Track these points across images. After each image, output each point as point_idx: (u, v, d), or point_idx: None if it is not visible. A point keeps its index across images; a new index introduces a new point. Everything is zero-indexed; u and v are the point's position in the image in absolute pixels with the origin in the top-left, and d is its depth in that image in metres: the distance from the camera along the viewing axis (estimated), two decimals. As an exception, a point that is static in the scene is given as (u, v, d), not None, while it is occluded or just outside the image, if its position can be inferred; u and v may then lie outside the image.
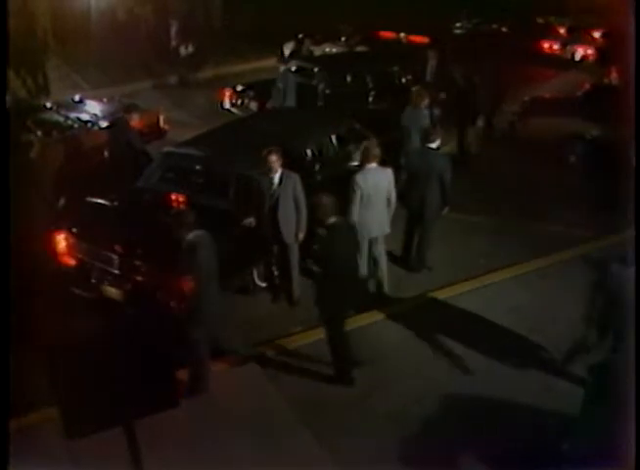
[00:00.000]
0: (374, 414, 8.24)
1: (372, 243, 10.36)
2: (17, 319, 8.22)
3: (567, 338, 9.33)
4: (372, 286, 10.65)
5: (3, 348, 6.46)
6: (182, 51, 22.21)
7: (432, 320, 10.06)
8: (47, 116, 14.54)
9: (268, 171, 9.71)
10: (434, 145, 10.86)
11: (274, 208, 9.83)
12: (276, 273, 10.49)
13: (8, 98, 14.98)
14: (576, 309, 9.90)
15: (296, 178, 9.88)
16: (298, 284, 10.38)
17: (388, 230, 10.47)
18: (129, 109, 12.88)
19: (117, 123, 13.05)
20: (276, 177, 9.76)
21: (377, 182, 10.01)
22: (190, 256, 8.01)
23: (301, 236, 10.08)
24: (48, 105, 15.39)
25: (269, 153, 9.64)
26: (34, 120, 13.87)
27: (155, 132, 15.25)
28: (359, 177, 9.89)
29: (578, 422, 7.30)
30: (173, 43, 22.53)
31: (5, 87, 8.32)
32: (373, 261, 10.57)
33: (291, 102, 15.43)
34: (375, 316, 10.13)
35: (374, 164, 9.94)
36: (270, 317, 10.10)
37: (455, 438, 7.87)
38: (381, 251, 10.52)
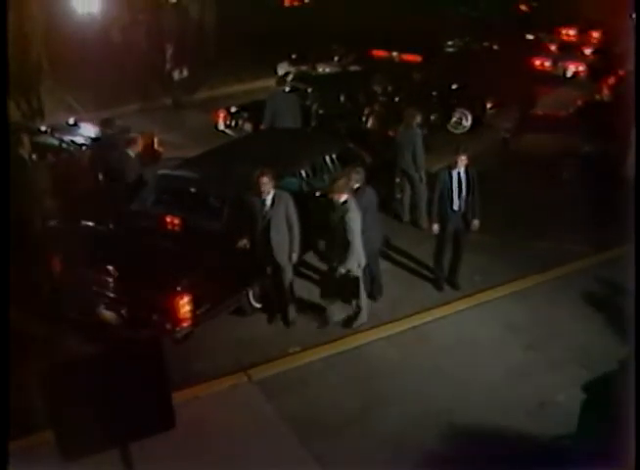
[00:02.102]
0: (373, 434, 8.23)
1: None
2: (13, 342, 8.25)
3: (564, 354, 9.38)
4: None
5: (3, 368, 6.44)
6: (176, 75, 22.13)
7: (429, 338, 10.06)
8: (42, 139, 14.55)
9: (260, 193, 9.73)
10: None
11: (267, 229, 9.85)
12: (271, 294, 10.49)
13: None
14: (574, 326, 10.01)
15: (288, 199, 9.89)
16: (294, 305, 10.40)
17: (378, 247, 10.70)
18: (107, 122, 13.01)
19: (106, 142, 13.14)
20: (268, 199, 9.78)
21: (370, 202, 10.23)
22: None
23: (295, 257, 10.10)
24: (43, 128, 15.41)
25: (261, 175, 9.65)
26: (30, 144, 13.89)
27: (149, 155, 15.25)
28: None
29: (576, 437, 7.31)
30: (167, 67, 22.49)
31: (6, 89, 8.31)
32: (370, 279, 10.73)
33: (285, 123, 15.44)
34: (373, 335, 10.13)
35: (344, 196, 9.68)
36: (266, 338, 10.09)
37: (454, 456, 7.86)
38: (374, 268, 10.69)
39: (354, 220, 9.56)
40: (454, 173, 10.72)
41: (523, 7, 35.22)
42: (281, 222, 9.81)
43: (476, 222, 10.98)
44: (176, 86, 22.40)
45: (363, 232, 9.87)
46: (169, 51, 22.55)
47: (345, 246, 9.59)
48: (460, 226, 11.00)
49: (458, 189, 10.74)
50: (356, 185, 10.26)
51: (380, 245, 10.90)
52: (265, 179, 9.65)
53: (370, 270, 10.66)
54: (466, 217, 10.93)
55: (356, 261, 9.77)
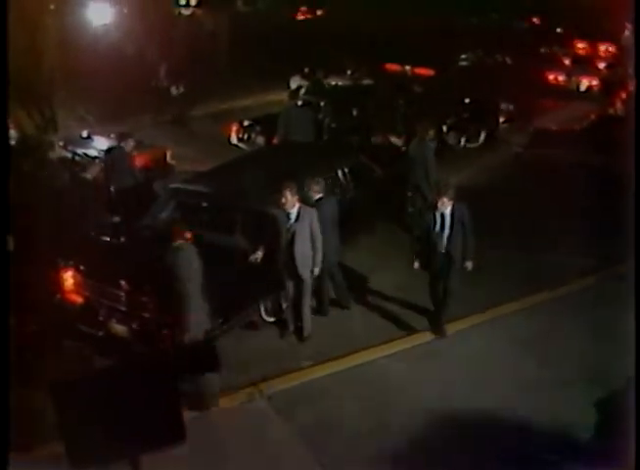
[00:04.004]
0: (385, 448, 8.18)
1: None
2: (24, 356, 8.27)
3: (574, 371, 9.32)
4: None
5: (3, 381, 6.43)
6: (173, 91, 21.88)
7: (440, 354, 10.03)
8: (55, 152, 14.65)
9: (284, 206, 9.75)
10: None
11: (291, 243, 9.84)
12: (285, 308, 10.45)
13: (16, 134, 15.13)
14: (583, 342, 9.94)
15: (313, 214, 9.90)
16: (309, 319, 10.38)
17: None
18: (124, 136, 13.03)
19: (115, 154, 13.20)
20: (293, 212, 9.80)
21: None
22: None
23: (317, 271, 10.10)
24: (56, 141, 15.49)
25: (285, 188, 9.68)
26: (42, 157, 13.98)
27: (162, 168, 15.31)
28: None
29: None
30: (164, 83, 22.17)
31: (6, 89, 8.44)
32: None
33: (298, 136, 15.46)
34: (385, 351, 10.11)
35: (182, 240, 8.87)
36: (278, 352, 10.05)
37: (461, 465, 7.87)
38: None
39: (185, 268, 8.47)
40: (437, 214, 10.16)
41: (535, 19, 35.30)
42: (305, 236, 9.81)
43: (468, 264, 10.37)
44: (174, 102, 22.08)
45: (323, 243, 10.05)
46: (164, 67, 22.24)
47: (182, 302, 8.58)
48: (446, 267, 10.33)
49: (441, 230, 10.17)
50: (318, 195, 10.35)
51: (338, 256, 10.82)
52: (289, 193, 9.67)
53: (333, 281, 10.91)
54: (451, 258, 10.25)
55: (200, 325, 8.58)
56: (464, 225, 10.22)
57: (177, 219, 9.76)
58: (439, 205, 10.10)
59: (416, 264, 10.56)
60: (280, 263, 9.96)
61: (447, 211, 10.14)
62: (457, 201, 10.22)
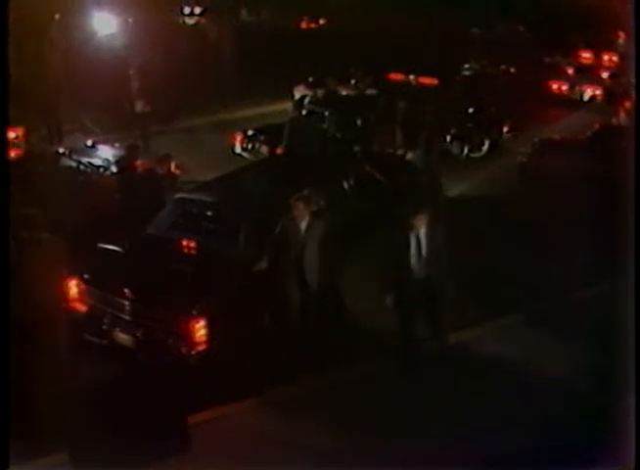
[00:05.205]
0: (388, 457, 8.18)
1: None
2: (28, 366, 8.27)
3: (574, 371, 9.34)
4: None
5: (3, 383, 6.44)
6: (138, 107, 20.73)
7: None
8: (60, 161, 14.69)
9: (295, 218, 9.76)
10: None
11: (301, 254, 9.83)
12: (291, 317, 10.44)
13: (21, 143, 15.17)
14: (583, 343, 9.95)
15: (324, 225, 9.95)
16: (314, 327, 10.36)
17: None
18: (132, 149, 13.09)
19: (121, 163, 13.25)
20: (303, 224, 9.81)
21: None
22: None
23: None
24: (61, 150, 15.53)
25: (297, 200, 9.70)
26: (47, 166, 14.01)
27: (166, 178, 15.30)
28: None
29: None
30: (133, 97, 21.01)
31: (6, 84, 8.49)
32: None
33: (302, 146, 15.46)
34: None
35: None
36: (282, 360, 10.05)
37: (454, 457, 7.91)
38: None
39: None
40: (411, 236, 9.34)
41: (538, 29, 35.29)
42: (315, 248, 9.81)
43: (450, 290, 9.52)
44: (140, 119, 20.94)
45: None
46: (136, 82, 21.29)
47: None
48: (427, 295, 9.59)
49: (417, 254, 9.36)
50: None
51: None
52: (302, 204, 9.70)
53: None
54: (431, 284, 9.49)
55: None
56: (440, 248, 9.41)
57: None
58: (407, 225, 9.37)
59: (388, 300, 9.63)
60: (286, 273, 9.97)
61: (422, 233, 9.33)
62: (435, 219, 9.49)
